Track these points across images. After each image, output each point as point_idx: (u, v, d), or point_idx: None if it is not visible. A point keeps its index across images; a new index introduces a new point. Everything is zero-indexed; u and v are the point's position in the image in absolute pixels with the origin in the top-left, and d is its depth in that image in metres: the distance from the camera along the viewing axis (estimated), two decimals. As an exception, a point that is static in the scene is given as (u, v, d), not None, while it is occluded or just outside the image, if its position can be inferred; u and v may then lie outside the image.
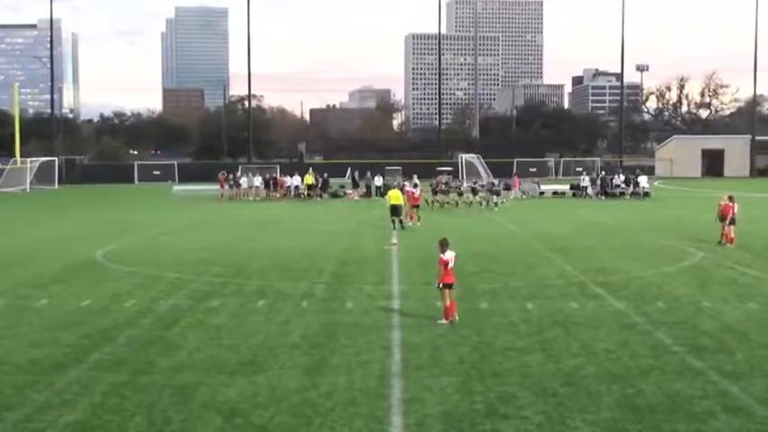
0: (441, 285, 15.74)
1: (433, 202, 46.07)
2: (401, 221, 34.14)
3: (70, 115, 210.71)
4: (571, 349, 13.83)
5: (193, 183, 75.36)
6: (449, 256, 15.67)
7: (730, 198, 28.96)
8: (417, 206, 37.54)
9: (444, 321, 15.56)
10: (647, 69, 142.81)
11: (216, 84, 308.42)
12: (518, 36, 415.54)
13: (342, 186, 63.11)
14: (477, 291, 18.80)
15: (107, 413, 10.66)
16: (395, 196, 34.82)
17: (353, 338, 14.64)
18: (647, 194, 57.68)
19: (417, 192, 38.03)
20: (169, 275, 22.13)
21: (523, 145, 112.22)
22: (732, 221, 28.13)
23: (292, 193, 58.79)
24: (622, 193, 57.51)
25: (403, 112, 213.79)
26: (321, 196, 57.80)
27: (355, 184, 61.76)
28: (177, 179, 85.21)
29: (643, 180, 59.76)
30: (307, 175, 60.99)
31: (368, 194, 59.10)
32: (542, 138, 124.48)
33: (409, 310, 17.08)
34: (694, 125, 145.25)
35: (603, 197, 56.42)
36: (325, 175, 61.62)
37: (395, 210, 34.13)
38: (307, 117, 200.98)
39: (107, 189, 45.17)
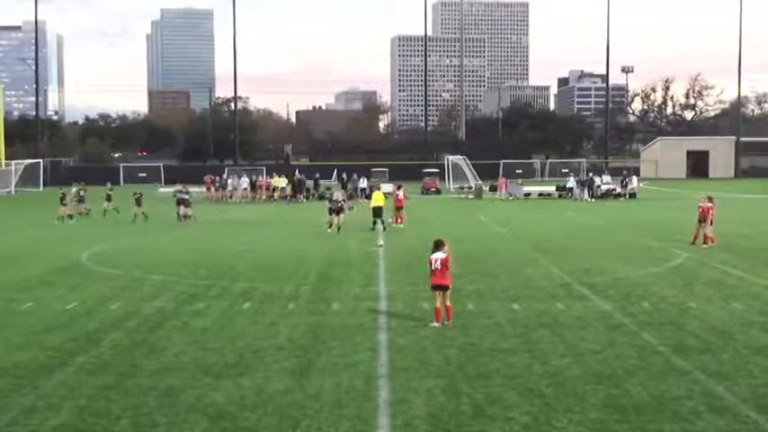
0: (431, 287, 15.74)
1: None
2: (382, 222, 34.38)
3: (55, 117, 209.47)
4: (557, 350, 13.86)
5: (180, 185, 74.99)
6: (434, 257, 15.62)
7: (709, 198, 29.12)
8: (401, 207, 37.73)
9: (435, 324, 15.54)
10: (633, 71, 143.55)
11: (202, 86, 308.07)
12: (504, 38, 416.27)
13: (328, 188, 63.05)
14: (463, 292, 18.81)
15: (93, 416, 10.61)
16: (378, 198, 35.21)
17: (340, 340, 14.63)
18: (632, 195, 57.96)
19: (402, 194, 38.16)
20: (154, 278, 22.07)
21: (510, 146, 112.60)
22: (710, 222, 28.28)
23: (277, 195, 58.78)
24: (604, 195, 57.71)
25: (389, 114, 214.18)
26: (296, 197, 57.78)
27: (343, 186, 61.74)
28: (163, 181, 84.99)
29: (634, 181, 60.10)
30: (276, 177, 61.29)
31: (354, 196, 59.10)
32: (528, 139, 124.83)
33: (396, 312, 17.08)
34: (679, 126, 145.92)
35: (592, 199, 56.52)
36: (302, 175, 61.42)
37: (377, 211, 34.47)
38: (293, 119, 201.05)
39: (92, 191, 44.92)
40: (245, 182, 60.52)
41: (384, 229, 33.92)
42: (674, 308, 17.48)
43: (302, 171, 65.27)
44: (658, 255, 26.26)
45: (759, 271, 22.52)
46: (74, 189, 44.97)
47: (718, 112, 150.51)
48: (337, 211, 33.75)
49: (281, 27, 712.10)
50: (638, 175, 78.37)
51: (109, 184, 45.46)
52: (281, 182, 60.63)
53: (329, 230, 33.22)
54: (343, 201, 34.66)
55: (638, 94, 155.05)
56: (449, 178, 74.10)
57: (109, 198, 43.76)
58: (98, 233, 35.01)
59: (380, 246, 28.55)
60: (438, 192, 67.08)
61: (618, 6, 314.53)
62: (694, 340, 14.52)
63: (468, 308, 17.43)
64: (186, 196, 40.05)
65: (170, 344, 14.53)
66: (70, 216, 41.22)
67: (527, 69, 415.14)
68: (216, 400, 11.22)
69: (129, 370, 12.82)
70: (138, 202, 40.90)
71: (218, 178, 62.00)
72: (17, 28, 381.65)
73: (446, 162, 77.57)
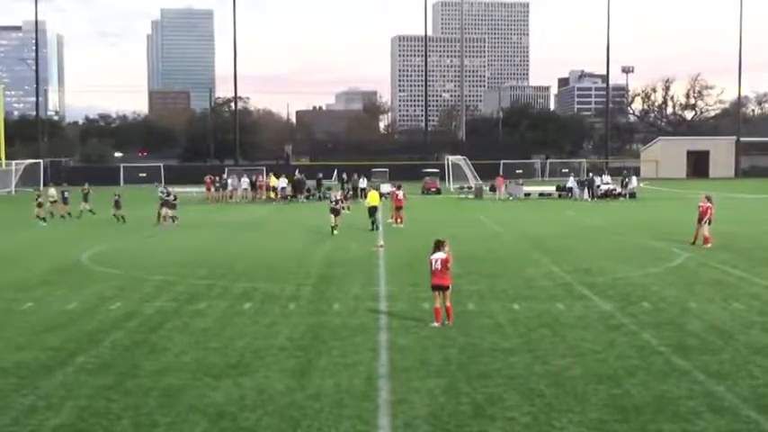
0: (431, 287, 15.74)
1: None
2: (376, 221, 34.77)
3: (55, 117, 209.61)
4: (558, 350, 13.86)
5: (180, 185, 75.11)
6: (434, 257, 15.61)
7: (708, 198, 29.13)
8: (401, 207, 37.76)
9: (435, 324, 15.54)
10: (633, 71, 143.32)
11: (202, 86, 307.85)
12: (504, 38, 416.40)
13: (328, 188, 63.06)
14: (463, 292, 18.82)
15: (93, 416, 10.62)
16: (373, 198, 36.09)
17: (341, 340, 14.64)
18: (632, 195, 57.95)
19: (401, 194, 38.15)
20: (155, 278, 22.07)
21: (510, 146, 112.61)
22: (708, 221, 28.27)
23: (278, 195, 58.76)
24: (605, 195, 57.71)
25: (389, 114, 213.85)
26: (296, 197, 57.78)
27: (343, 186, 61.69)
28: (163, 181, 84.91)
29: (633, 181, 60.09)
30: (272, 177, 61.39)
31: (354, 196, 59.08)
32: (528, 139, 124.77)
33: (396, 312, 17.08)
34: (679, 126, 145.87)
35: (592, 199, 56.49)
36: (302, 175, 61.41)
37: (371, 211, 34.72)
38: (293, 119, 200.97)
39: (92, 191, 44.95)
40: (245, 182, 60.53)
41: (377, 228, 34.10)
42: (675, 308, 17.48)
43: (302, 171, 65.22)
44: (658, 255, 26.26)
45: (759, 271, 22.52)
46: (51, 190, 44.91)
47: (718, 112, 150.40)
48: (333, 211, 33.62)
49: (281, 27, 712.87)
50: (638, 175, 78.29)
51: (86, 185, 45.01)
52: (278, 182, 60.59)
53: (335, 231, 33.01)
54: (336, 201, 34.12)
55: (639, 94, 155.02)
56: (449, 178, 74.11)
57: (85, 198, 43.34)
58: (98, 234, 35.01)
59: (381, 246, 28.55)
60: (438, 192, 67.06)
61: (618, 6, 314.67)
62: (695, 340, 14.52)
63: (469, 308, 17.43)
64: (168, 198, 39.18)
65: (170, 344, 14.53)
66: (55, 215, 41.18)
67: (527, 69, 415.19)
68: (216, 400, 11.23)
69: (130, 370, 12.82)
70: (117, 205, 40.18)
71: (218, 178, 62.00)
72: (17, 28, 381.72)
73: (446, 162, 77.56)
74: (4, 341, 14.89)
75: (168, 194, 39.64)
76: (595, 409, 10.72)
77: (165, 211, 38.54)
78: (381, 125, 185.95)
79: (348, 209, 37.07)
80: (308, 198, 58.37)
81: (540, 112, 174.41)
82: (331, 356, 13.53)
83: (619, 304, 17.86)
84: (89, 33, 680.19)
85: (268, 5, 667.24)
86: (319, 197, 58.22)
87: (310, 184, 61.72)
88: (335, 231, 32.99)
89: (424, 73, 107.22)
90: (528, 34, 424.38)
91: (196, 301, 18.68)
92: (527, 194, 60.06)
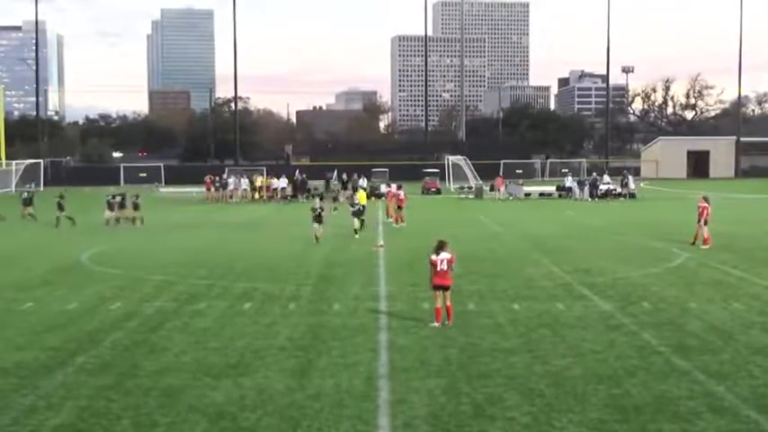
0: (431, 286, 15.73)
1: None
2: (363, 221, 34.54)
3: (55, 117, 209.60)
4: (558, 350, 13.86)
5: (180, 185, 75.23)
6: (440, 257, 15.59)
7: (705, 199, 29.12)
8: (401, 207, 37.77)
9: (435, 324, 15.54)
10: (633, 71, 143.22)
11: (202, 86, 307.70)
12: (504, 38, 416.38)
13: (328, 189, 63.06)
14: (463, 292, 18.82)
15: (93, 416, 10.62)
16: (360, 198, 36.56)
17: (340, 340, 14.64)
18: (632, 196, 57.93)
19: (402, 194, 38.12)
20: (155, 278, 22.07)
21: (510, 146, 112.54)
22: (705, 222, 28.25)
23: (279, 195, 58.79)
24: (605, 194, 57.67)
25: (389, 114, 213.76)
26: (296, 197, 57.77)
27: (344, 186, 61.69)
28: (163, 181, 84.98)
29: (631, 181, 60.04)
30: (261, 177, 61.47)
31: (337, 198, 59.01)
32: (528, 139, 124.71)
33: (396, 312, 17.08)
34: (680, 126, 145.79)
35: (594, 199, 56.41)
36: (303, 175, 61.44)
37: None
38: (293, 119, 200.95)
39: (93, 191, 44.90)
40: (245, 182, 60.59)
41: (362, 227, 33.88)
42: (675, 308, 17.49)
43: (303, 171, 65.27)
44: (658, 255, 26.26)
45: (759, 271, 22.53)
46: None
47: (718, 111, 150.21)
48: (318, 218, 30.83)
49: (281, 27, 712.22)
50: (638, 174, 78.13)
51: (32, 185, 43.98)
52: (268, 182, 60.71)
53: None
54: (321, 209, 32.13)
55: (639, 94, 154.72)
56: (449, 178, 74.08)
57: (30, 201, 42.05)
58: (97, 234, 35.01)
59: (381, 246, 28.54)
60: (438, 192, 66.99)
61: (618, 6, 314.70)
62: (695, 340, 14.53)
63: (469, 308, 17.44)
64: (114, 200, 38.00)
65: (170, 344, 14.53)
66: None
67: (527, 69, 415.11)
68: (216, 400, 11.23)
69: (130, 370, 12.83)
70: (60, 207, 38.43)
71: (218, 178, 62.04)
72: (17, 28, 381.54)
73: (446, 162, 77.52)
74: (4, 341, 14.90)
75: (114, 197, 38.42)
76: (595, 409, 10.72)
77: (111, 213, 37.58)
78: (381, 125, 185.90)
79: (335, 209, 36.03)
80: (308, 198, 58.30)
81: (540, 112, 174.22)
82: (331, 356, 13.54)
83: (619, 304, 17.87)
84: (89, 33, 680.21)
85: (268, 5, 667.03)
86: (321, 197, 58.08)
87: (317, 184, 61.74)
88: (318, 241, 30.31)
89: (424, 73, 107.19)
90: (528, 34, 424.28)
91: (196, 301, 18.69)
92: (527, 194, 60.00)
